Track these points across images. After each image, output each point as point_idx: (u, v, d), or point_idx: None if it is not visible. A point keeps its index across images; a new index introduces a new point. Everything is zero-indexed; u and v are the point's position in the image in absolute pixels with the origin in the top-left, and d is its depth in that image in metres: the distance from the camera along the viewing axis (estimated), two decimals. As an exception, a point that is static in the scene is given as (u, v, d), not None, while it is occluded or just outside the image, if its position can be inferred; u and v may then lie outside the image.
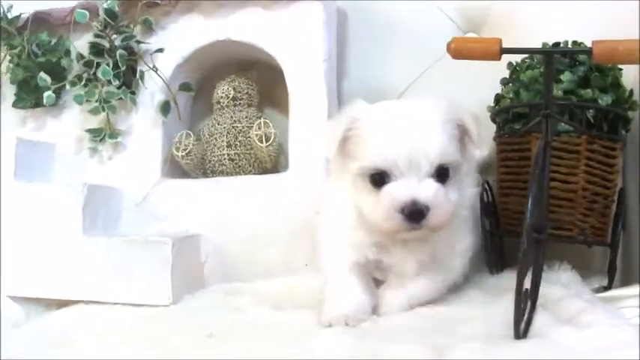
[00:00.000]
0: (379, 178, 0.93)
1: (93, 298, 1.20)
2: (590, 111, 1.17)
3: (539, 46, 1.21)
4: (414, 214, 0.90)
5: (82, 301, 1.21)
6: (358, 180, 0.96)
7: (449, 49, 1.01)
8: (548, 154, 0.97)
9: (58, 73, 1.42)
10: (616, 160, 1.22)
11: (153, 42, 1.38)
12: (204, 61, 1.44)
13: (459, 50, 1.00)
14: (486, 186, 1.31)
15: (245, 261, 1.30)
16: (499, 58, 0.99)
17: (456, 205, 0.96)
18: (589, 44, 0.96)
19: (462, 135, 0.98)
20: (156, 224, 1.34)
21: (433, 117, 0.94)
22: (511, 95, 1.26)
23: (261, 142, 1.31)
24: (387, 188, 0.91)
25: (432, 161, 0.91)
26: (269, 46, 1.34)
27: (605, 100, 1.18)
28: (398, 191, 0.90)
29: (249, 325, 1.00)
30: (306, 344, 0.84)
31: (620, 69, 1.23)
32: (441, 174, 0.93)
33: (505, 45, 1.03)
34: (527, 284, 0.87)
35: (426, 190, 0.90)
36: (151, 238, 1.20)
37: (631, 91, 1.22)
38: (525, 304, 0.85)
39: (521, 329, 0.83)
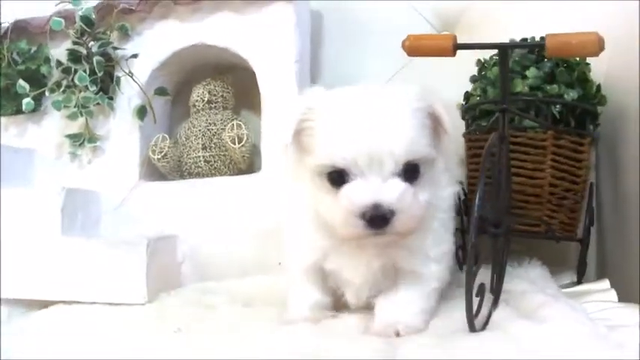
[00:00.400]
0: (337, 177, 0.82)
1: (73, 298, 1.22)
2: (557, 106, 1.19)
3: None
4: (376, 219, 0.79)
5: (62, 302, 1.23)
6: (316, 177, 0.84)
7: (404, 46, 1.02)
8: (505, 148, 0.99)
9: (37, 80, 1.45)
10: (584, 156, 1.23)
11: (129, 48, 1.41)
12: (181, 65, 1.46)
13: (414, 47, 1.01)
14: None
15: (220, 260, 1.33)
16: (453, 55, 1.00)
17: (427, 206, 0.85)
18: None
19: (435, 125, 0.86)
20: (134, 226, 1.36)
21: (400, 105, 0.82)
22: (479, 92, 1.28)
23: (234, 143, 1.34)
24: (345, 190, 0.80)
25: (398, 158, 0.80)
26: (242, 49, 1.37)
27: (571, 95, 1.19)
28: (357, 193, 0.79)
29: (220, 322, 1.02)
30: (271, 340, 0.87)
31: (588, 63, 1.24)
32: (410, 171, 0.82)
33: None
34: (486, 279, 0.89)
35: (391, 192, 0.79)
36: (127, 239, 1.23)
37: (599, 86, 1.23)
38: (481, 299, 0.87)
39: (481, 323, 0.85)
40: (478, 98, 1.29)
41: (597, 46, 0.94)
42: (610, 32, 1.25)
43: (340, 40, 1.56)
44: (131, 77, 1.35)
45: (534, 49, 1.18)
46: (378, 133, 0.79)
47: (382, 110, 0.81)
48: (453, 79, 1.40)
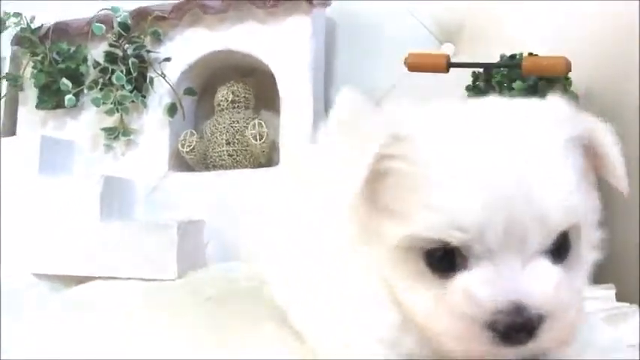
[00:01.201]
0: (444, 258, 0.50)
1: (109, 274, 1.37)
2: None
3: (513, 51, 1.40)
4: (516, 331, 0.47)
5: (99, 277, 1.38)
6: (403, 255, 0.53)
7: (405, 63, 1.22)
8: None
9: (76, 78, 1.60)
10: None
11: (161, 51, 1.56)
12: (207, 68, 1.61)
13: (414, 64, 1.22)
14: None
15: (242, 243, 1.49)
16: (447, 71, 1.22)
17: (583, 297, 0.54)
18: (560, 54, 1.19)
19: (588, 162, 0.55)
20: (164, 212, 1.51)
21: (547, 134, 0.52)
22: (473, 100, 1.44)
23: (256, 139, 1.50)
24: (461, 280, 0.49)
25: (553, 226, 0.49)
26: (263, 55, 1.52)
27: (546, 103, 1.35)
28: (485, 288, 0.48)
29: (242, 292, 1.18)
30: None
31: (568, 78, 1.41)
32: (561, 246, 0.51)
33: (478, 52, 1.25)
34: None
35: (540, 284, 0.48)
36: (159, 223, 1.39)
37: (577, 98, 1.39)
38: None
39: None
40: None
41: (565, 67, 1.15)
42: (594, 50, 1.44)
43: (352, 48, 1.71)
44: (163, 78, 1.51)
45: (513, 68, 1.33)
46: (522, 184, 0.48)
47: (522, 144, 0.50)
48: (453, 87, 1.58)
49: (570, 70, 1.13)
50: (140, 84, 1.55)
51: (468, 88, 1.49)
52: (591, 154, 0.54)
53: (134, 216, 1.53)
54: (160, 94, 1.56)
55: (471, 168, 0.49)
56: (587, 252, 0.54)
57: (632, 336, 0.69)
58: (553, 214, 0.48)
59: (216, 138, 1.56)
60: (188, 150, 1.54)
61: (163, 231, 1.36)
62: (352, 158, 0.53)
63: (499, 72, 1.37)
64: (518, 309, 0.47)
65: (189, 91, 1.56)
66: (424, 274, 0.51)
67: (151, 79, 1.54)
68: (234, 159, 1.55)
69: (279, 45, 1.51)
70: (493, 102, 0.58)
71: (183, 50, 1.57)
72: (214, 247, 1.49)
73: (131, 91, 1.52)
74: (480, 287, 0.48)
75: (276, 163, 1.54)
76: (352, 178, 0.52)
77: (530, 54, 1.36)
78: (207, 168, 1.60)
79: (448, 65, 1.19)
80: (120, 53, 1.53)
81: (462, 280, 0.49)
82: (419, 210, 0.50)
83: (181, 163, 1.60)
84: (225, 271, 1.41)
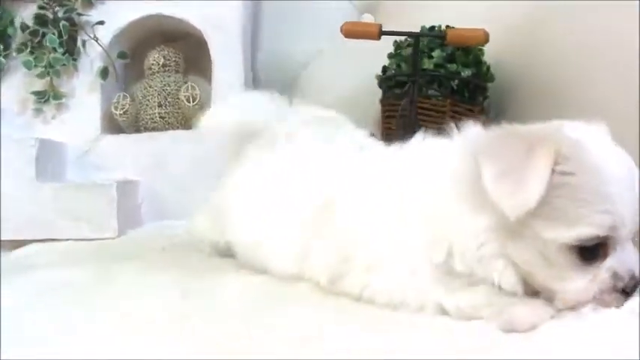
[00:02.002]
0: (594, 249, 0.65)
1: (46, 236, 1.39)
2: (455, 81, 1.49)
3: (426, 24, 1.52)
4: (633, 290, 0.66)
5: (35, 240, 1.38)
6: (558, 253, 0.65)
7: (341, 30, 1.32)
8: (414, 108, 1.29)
9: (3, 41, 1.58)
10: (474, 119, 1.55)
11: (92, 14, 1.57)
12: (136, 32, 1.64)
13: (349, 32, 1.31)
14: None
15: (175, 202, 1.55)
16: (379, 39, 1.32)
17: None
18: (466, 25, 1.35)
19: None
20: (97, 174, 1.55)
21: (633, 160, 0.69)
22: (394, 67, 1.56)
23: (189, 102, 1.55)
24: (608, 265, 0.65)
25: None
26: (196, 21, 1.57)
27: (466, 72, 1.49)
28: (622, 267, 0.65)
29: (183, 246, 1.23)
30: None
31: (482, 48, 1.55)
32: None
33: (394, 25, 1.35)
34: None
35: (637, 259, 0.67)
36: (97, 183, 1.43)
37: (489, 67, 1.54)
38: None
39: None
40: (393, 71, 1.57)
41: (484, 38, 1.29)
42: (502, 24, 1.58)
43: (276, 18, 1.79)
44: (96, 41, 1.53)
45: (438, 38, 1.45)
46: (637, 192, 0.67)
47: (630, 160, 0.68)
48: (371, 54, 1.70)
49: (488, 41, 1.26)
50: (71, 47, 1.56)
51: (389, 56, 1.61)
52: None
53: (67, 179, 1.55)
54: (91, 58, 1.58)
55: (623, 184, 0.65)
56: None
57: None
58: None
59: (148, 101, 1.61)
60: (121, 113, 1.57)
61: (102, 190, 1.40)
62: (521, 170, 0.64)
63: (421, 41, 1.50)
64: (634, 276, 0.65)
65: (122, 55, 1.59)
66: (576, 265, 0.65)
67: (84, 42, 1.55)
68: (165, 121, 1.60)
69: (211, 11, 1.57)
70: (597, 130, 0.71)
71: (115, 14, 1.58)
72: (148, 207, 1.54)
73: (63, 54, 1.53)
74: (620, 267, 0.65)
75: (208, 125, 1.60)
76: (530, 189, 0.63)
77: (448, 26, 1.49)
78: (138, 130, 1.64)
79: (380, 33, 1.29)
80: (50, 16, 1.53)
81: (609, 263, 0.65)
82: (591, 214, 0.63)
83: (112, 125, 1.63)
84: (162, 228, 1.48)
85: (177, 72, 1.65)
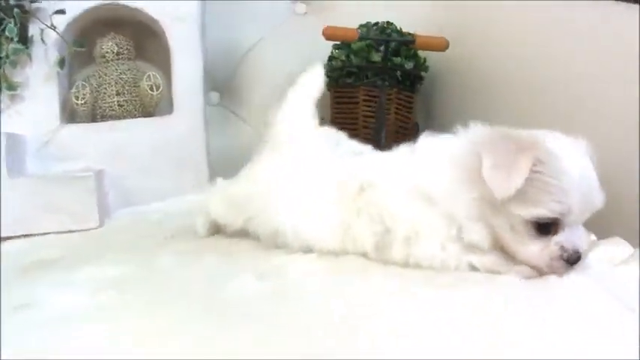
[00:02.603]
0: (546, 225, 0.88)
1: (26, 232, 1.38)
2: (399, 72, 1.68)
3: (359, 17, 1.69)
4: (576, 261, 0.88)
5: (13, 237, 1.36)
6: (521, 224, 0.88)
7: (324, 33, 1.45)
8: (384, 100, 1.48)
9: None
10: (413, 105, 1.76)
11: (45, 2, 1.53)
12: (87, 20, 1.62)
13: (331, 35, 1.46)
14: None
15: (141, 189, 1.58)
16: (359, 40, 1.48)
17: None
18: (396, 23, 1.62)
19: None
20: (58, 165, 1.53)
21: (592, 160, 0.90)
22: (343, 58, 1.71)
23: (152, 90, 1.59)
24: (557, 239, 0.87)
25: (595, 209, 0.89)
26: (154, 11, 1.59)
27: (408, 65, 1.69)
28: (567, 242, 0.87)
29: (174, 242, 1.25)
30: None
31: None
32: None
33: (327, 14, 1.53)
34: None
35: (583, 239, 0.90)
36: (72, 174, 1.43)
37: (424, 59, 1.75)
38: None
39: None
40: (340, 62, 1.72)
41: (445, 45, 1.49)
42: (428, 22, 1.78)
43: (221, 5, 1.85)
44: (54, 30, 1.50)
45: (408, 43, 1.62)
46: (594, 191, 0.88)
47: (590, 166, 0.89)
48: (309, 41, 1.83)
49: (448, 47, 1.46)
50: (24, 36, 1.51)
51: (336, 47, 1.76)
52: None
53: (28, 171, 1.52)
54: (45, 47, 1.54)
55: (579, 185, 0.86)
56: None
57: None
58: (598, 203, 0.88)
59: (105, 89, 1.61)
60: (82, 102, 1.56)
61: (81, 182, 1.41)
62: (510, 166, 0.86)
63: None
64: (578, 252, 0.87)
65: (79, 44, 1.56)
66: (532, 235, 0.88)
67: (42, 31, 1.51)
68: (124, 109, 1.62)
69: (169, 1, 1.60)
70: (568, 142, 0.91)
71: (69, 2, 1.55)
72: (115, 195, 1.56)
73: (17, 43, 1.49)
74: (566, 243, 0.87)
75: (162, 113, 1.65)
76: (514, 181, 0.85)
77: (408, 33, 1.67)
78: (94, 118, 1.63)
79: (359, 37, 1.45)
80: (3, 3, 1.47)
81: (558, 240, 0.87)
82: (549, 202, 0.85)
83: (69, 115, 1.61)
84: (138, 214, 1.52)
85: (129, 59, 1.67)
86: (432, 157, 0.98)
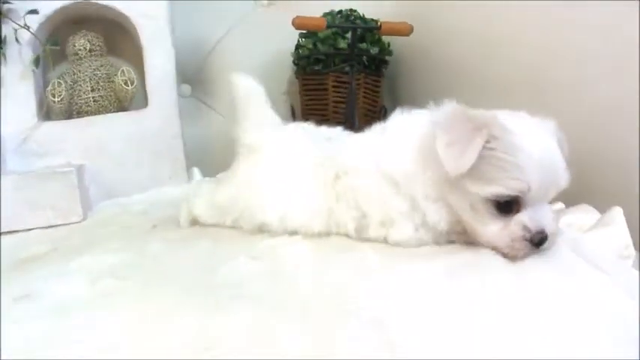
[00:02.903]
0: (507, 205, 0.87)
1: (9, 229, 1.39)
2: (365, 57, 1.75)
3: (321, 6, 1.75)
4: (542, 242, 0.86)
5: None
6: (480, 203, 0.88)
7: (293, 23, 1.51)
8: (354, 84, 1.54)
9: None
10: (380, 88, 1.84)
11: (17, 3, 1.55)
12: (58, 19, 1.65)
13: (300, 24, 1.51)
14: (292, 109, 1.84)
15: (120, 181, 1.63)
16: (326, 29, 1.54)
17: None
18: (359, 10, 1.70)
19: None
20: (38, 162, 1.57)
21: (555, 138, 0.90)
22: (310, 46, 1.77)
23: (127, 85, 1.63)
24: (519, 218, 0.86)
25: (560, 188, 0.88)
26: (125, 8, 1.63)
27: (374, 50, 1.76)
28: (530, 221, 0.86)
29: (160, 230, 1.30)
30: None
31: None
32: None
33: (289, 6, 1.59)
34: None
35: (550, 219, 0.88)
36: (54, 169, 1.47)
37: (389, 44, 1.82)
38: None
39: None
40: (307, 50, 1.78)
41: (409, 30, 1.55)
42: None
43: (186, 2, 1.90)
44: (28, 30, 1.52)
45: (373, 30, 1.69)
46: (554, 168, 0.86)
47: (551, 146, 0.88)
48: (274, 33, 1.90)
49: (412, 32, 1.53)
50: (-2, 36, 1.54)
51: (303, 36, 1.81)
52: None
53: (7, 169, 1.55)
54: (19, 47, 1.56)
55: (536, 161, 0.84)
56: None
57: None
58: (562, 182, 0.87)
59: (80, 86, 1.65)
60: (59, 99, 1.59)
61: (62, 177, 1.44)
62: (462, 147, 0.85)
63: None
64: (542, 231, 0.85)
65: (54, 42, 1.59)
66: (492, 214, 0.87)
67: (15, 31, 1.53)
68: (99, 104, 1.66)
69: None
70: (532, 121, 0.91)
71: (41, 1, 1.57)
72: (95, 188, 1.60)
73: (-7, 44, 1.51)
74: (527, 222, 0.86)
75: (136, 107, 1.70)
76: (467, 157, 0.85)
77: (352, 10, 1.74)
78: (70, 115, 1.67)
79: (327, 25, 1.51)
80: (-25, 5, 1.50)
81: (520, 218, 0.86)
82: (504, 179, 0.84)
83: (46, 112, 1.64)
84: (119, 206, 1.57)
85: (101, 56, 1.70)
86: (398, 138, 1.00)
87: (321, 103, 1.77)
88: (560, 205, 1.12)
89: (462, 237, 0.94)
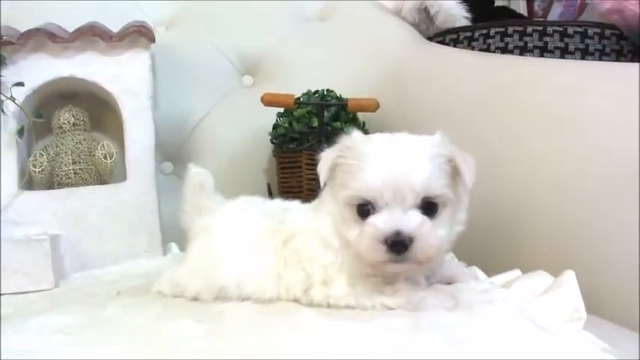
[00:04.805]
0: (365, 209, 0.93)
1: None
2: (339, 136, 1.81)
3: (303, 87, 1.83)
4: (397, 244, 0.89)
5: None
6: (345, 210, 0.97)
7: (262, 100, 1.58)
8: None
9: None
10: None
11: (5, 74, 1.62)
12: (44, 92, 1.72)
13: (269, 101, 1.58)
14: (269, 187, 1.88)
15: (97, 253, 1.66)
16: (295, 107, 1.60)
17: (445, 240, 0.98)
18: (336, 87, 1.75)
19: (454, 172, 0.98)
20: (16, 230, 1.59)
21: (422, 150, 0.95)
22: (286, 125, 1.84)
23: (106, 159, 1.68)
24: (371, 219, 0.92)
25: (418, 193, 0.91)
26: (107, 84, 1.70)
27: (347, 129, 1.81)
28: (381, 222, 0.91)
29: (122, 298, 1.32)
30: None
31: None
32: (428, 207, 0.93)
33: (271, 85, 1.64)
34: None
35: (410, 221, 0.90)
36: (29, 237, 1.50)
37: (364, 123, 1.88)
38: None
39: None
40: (284, 129, 1.84)
41: (376, 106, 1.62)
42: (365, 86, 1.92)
43: (169, 78, 1.99)
44: (13, 101, 1.59)
45: (341, 106, 1.76)
46: (402, 170, 0.92)
47: (406, 152, 0.94)
48: (254, 112, 1.96)
49: (379, 108, 1.60)
50: (-20, 108, 1.60)
51: (280, 115, 1.88)
52: (453, 165, 0.98)
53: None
54: (4, 117, 1.62)
55: (378, 162, 0.93)
56: (452, 221, 0.99)
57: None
58: (417, 186, 0.91)
59: (62, 158, 1.70)
60: (40, 169, 1.64)
61: (36, 244, 1.48)
62: (324, 161, 1.00)
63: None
64: (398, 233, 0.90)
65: (38, 115, 1.65)
66: (355, 218, 0.95)
67: (1, 102, 1.59)
68: (79, 177, 1.71)
69: (122, 75, 1.71)
70: (402, 135, 1.01)
71: (27, 75, 1.64)
72: (70, 259, 1.63)
73: (-25, 115, 1.58)
74: (380, 222, 0.91)
75: (117, 180, 1.74)
76: (323, 169, 0.99)
77: (329, 90, 1.81)
78: (51, 186, 1.71)
79: (296, 102, 1.57)
80: (-38, 76, 1.57)
81: (372, 219, 0.92)
82: (354, 182, 0.93)
83: (27, 182, 1.68)
84: (93, 277, 1.58)
85: (85, 130, 1.76)
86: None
87: (295, 181, 1.82)
88: (516, 272, 1.15)
89: (379, 277, 0.99)
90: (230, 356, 0.84)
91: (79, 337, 0.98)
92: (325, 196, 1.05)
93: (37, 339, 0.98)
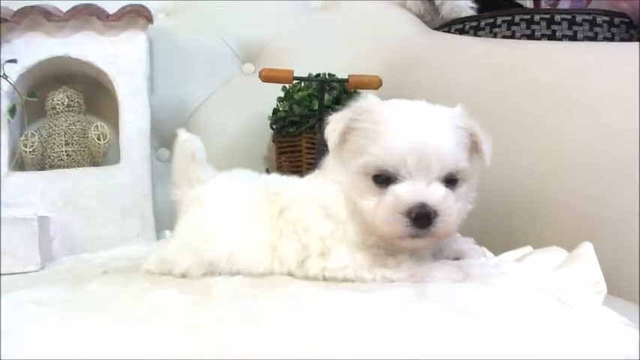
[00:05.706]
0: (383, 178, 0.85)
1: None
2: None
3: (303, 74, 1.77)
4: (422, 217, 0.82)
5: None
6: (360, 177, 0.88)
7: (260, 75, 1.52)
8: (321, 142, 1.53)
9: None
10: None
11: (-2, 52, 1.59)
12: (38, 72, 1.68)
13: (267, 77, 1.52)
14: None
15: (88, 237, 1.60)
16: (292, 83, 1.54)
17: (462, 215, 0.91)
18: (338, 74, 1.67)
19: (472, 147, 0.92)
20: (6, 211, 1.53)
21: (447, 120, 0.88)
22: (286, 109, 1.78)
23: (100, 140, 1.63)
24: (393, 189, 0.83)
25: (444, 165, 0.84)
26: (103, 64, 1.66)
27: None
28: (405, 192, 0.83)
29: (108, 276, 1.26)
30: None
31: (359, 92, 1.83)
32: (450, 182, 0.86)
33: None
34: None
35: (436, 194, 0.83)
36: (17, 217, 1.44)
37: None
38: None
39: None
40: (284, 113, 1.79)
41: (379, 83, 1.56)
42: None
43: (167, 63, 1.94)
44: (6, 79, 1.55)
45: (342, 83, 1.69)
46: (430, 139, 0.83)
47: (432, 121, 0.86)
48: (255, 98, 1.91)
49: (381, 85, 1.53)
50: (-27, 85, 1.55)
51: (280, 99, 1.83)
52: (473, 140, 0.91)
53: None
54: (-5, 96, 1.58)
55: (402, 128, 0.85)
56: (467, 195, 0.92)
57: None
58: (445, 158, 0.84)
59: (54, 139, 1.65)
60: (30, 150, 1.60)
61: (24, 224, 1.42)
62: (334, 123, 0.90)
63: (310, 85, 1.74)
64: (423, 205, 0.82)
65: (31, 94, 1.61)
66: (370, 187, 0.86)
67: (-7, 80, 1.56)
68: (72, 158, 1.66)
69: (119, 56, 1.67)
70: (423, 103, 0.93)
71: (21, 53, 1.61)
72: (60, 242, 1.58)
73: (-32, 92, 1.53)
74: (404, 192, 0.83)
75: (112, 162, 1.69)
76: (334, 133, 0.89)
77: (330, 74, 1.76)
78: (43, 167, 1.67)
79: (293, 78, 1.52)
80: (-46, 54, 1.53)
81: (394, 188, 0.84)
82: (371, 148, 0.85)
83: (18, 163, 1.64)
84: (81, 260, 1.53)
85: (79, 112, 1.72)
86: (334, 173, 0.99)
87: (295, 165, 1.76)
88: (528, 248, 1.08)
89: (382, 249, 0.91)
90: (215, 326, 0.77)
91: (56, 309, 0.90)
92: (331, 163, 0.96)
93: (8, 311, 0.88)
